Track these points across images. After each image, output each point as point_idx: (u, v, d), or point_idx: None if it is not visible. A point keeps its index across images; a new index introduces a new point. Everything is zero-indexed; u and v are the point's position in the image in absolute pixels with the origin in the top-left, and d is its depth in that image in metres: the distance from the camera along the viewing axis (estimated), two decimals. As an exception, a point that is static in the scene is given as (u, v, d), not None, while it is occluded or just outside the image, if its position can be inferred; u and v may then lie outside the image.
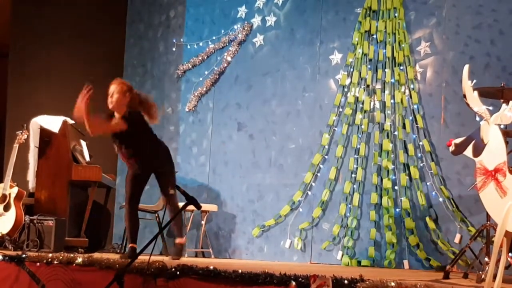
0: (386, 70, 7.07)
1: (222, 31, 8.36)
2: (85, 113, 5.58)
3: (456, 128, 6.50)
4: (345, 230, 7.00)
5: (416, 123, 6.81)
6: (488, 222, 4.95)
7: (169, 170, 6.11)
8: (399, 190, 6.78)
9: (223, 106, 8.22)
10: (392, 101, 6.99)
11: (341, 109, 7.31)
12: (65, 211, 7.18)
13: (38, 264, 5.04)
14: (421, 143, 6.75)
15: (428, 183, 6.66)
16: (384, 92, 7.08)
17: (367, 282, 3.50)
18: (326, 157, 7.34)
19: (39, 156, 7.36)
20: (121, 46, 9.14)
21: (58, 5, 8.93)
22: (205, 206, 7.41)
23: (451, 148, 3.92)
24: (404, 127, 6.89)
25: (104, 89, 8.92)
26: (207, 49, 8.43)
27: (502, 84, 5.06)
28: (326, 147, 7.33)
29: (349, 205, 7.04)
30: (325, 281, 3.59)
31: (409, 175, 6.76)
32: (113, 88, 5.87)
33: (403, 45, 6.98)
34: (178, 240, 6.00)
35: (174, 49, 8.78)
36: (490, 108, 3.73)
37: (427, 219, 6.55)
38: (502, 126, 4.11)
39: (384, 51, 7.11)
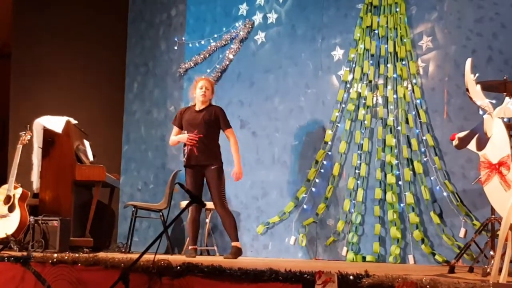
0: (388, 65, 7.06)
1: (224, 29, 8.36)
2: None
3: (459, 122, 6.50)
4: (350, 226, 7.01)
5: (419, 118, 6.81)
6: (493, 216, 4.95)
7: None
8: (403, 185, 6.78)
9: (226, 104, 8.19)
10: (394, 96, 6.99)
11: (343, 105, 7.31)
12: (69, 211, 7.19)
13: (43, 264, 5.05)
14: (424, 137, 6.75)
15: (432, 178, 6.66)
16: (386, 87, 7.07)
17: (373, 278, 3.50)
18: (329, 153, 7.34)
19: (43, 156, 7.37)
20: (123, 45, 9.14)
21: (60, 5, 8.92)
22: (209, 204, 7.39)
23: (455, 142, 3.92)
24: (407, 122, 6.89)
25: (108, 89, 9.04)
26: (209, 47, 8.43)
27: (504, 78, 5.05)
28: (329, 143, 7.33)
29: (353, 201, 7.04)
30: (330, 277, 3.59)
31: (413, 170, 6.76)
32: (205, 83, 6.62)
33: (405, 40, 6.98)
34: (233, 244, 6.43)
35: (175, 47, 8.77)
36: (493, 101, 3.74)
37: (432, 213, 6.56)
38: (505, 119, 4.11)
39: (386, 46, 7.11)
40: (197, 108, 6.58)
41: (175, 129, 6.68)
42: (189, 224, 6.57)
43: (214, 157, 6.49)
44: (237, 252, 6.37)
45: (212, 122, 6.52)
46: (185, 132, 6.52)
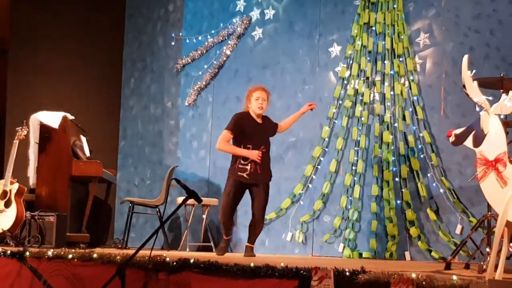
0: (385, 62, 7.06)
1: (221, 24, 8.35)
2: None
3: (456, 119, 6.50)
4: (346, 222, 7.01)
5: (416, 115, 6.81)
6: (489, 213, 4.95)
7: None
8: (399, 182, 6.78)
9: (223, 100, 8.21)
10: (391, 92, 6.99)
11: (341, 102, 7.31)
12: (66, 207, 7.19)
13: (39, 260, 5.05)
14: (421, 134, 6.75)
15: (428, 175, 6.66)
16: (383, 84, 7.08)
17: (369, 274, 3.51)
18: (326, 149, 7.34)
19: (39, 152, 7.36)
20: (120, 41, 9.13)
21: (57, 1, 8.90)
22: (206, 200, 7.42)
23: (451, 139, 3.92)
24: (404, 118, 6.89)
25: (105, 85, 9.03)
26: (206, 43, 8.42)
27: (501, 74, 5.05)
28: (327, 139, 7.33)
29: (350, 198, 7.04)
30: (326, 273, 3.60)
31: (410, 166, 6.76)
32: (262, 94, 6.27)
33: (402, 37, 6.97)
34: (251, 245, 6.30)
35: (173, 43, 8.76)
36: (490, 98, 3.73)
37: (428, 210, 6.56)
38: (502, 116, 4.12)
39: (383, 43, 7.11)
40: (256, 118, 6.25)
41: (230, 134, 6.15)
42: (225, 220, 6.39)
43: (270, 174, 6.27)
44: (252, 252, 6.28)
45: (270, 136, 6.41)
46: (250, 146, 6.11)
